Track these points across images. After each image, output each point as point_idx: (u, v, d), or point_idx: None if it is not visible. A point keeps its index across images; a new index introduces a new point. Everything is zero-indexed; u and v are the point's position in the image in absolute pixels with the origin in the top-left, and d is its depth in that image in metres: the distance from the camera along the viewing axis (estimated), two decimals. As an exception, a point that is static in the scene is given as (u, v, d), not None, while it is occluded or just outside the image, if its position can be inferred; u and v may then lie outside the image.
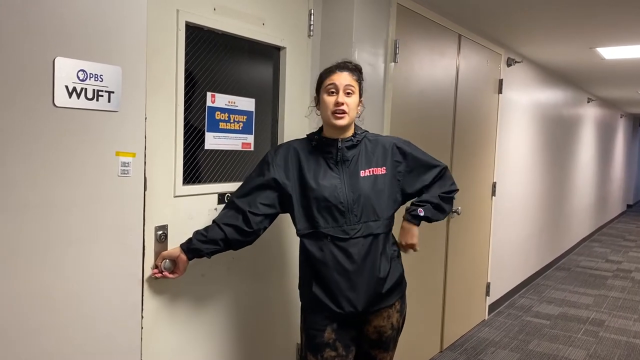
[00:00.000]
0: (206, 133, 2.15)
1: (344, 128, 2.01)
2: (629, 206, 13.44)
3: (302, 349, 2.17)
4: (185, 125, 2.05)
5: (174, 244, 2.02)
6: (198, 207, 2.13)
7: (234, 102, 2.27)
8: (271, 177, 2.02)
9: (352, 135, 2.05)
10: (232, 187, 2.26)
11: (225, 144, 2.23)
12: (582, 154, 7.83)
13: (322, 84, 2.02)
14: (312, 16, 2.62)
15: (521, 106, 5.09)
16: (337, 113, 1.96)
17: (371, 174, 2.04)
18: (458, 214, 3.92)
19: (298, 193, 2.03)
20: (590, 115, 8.16)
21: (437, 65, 3.49)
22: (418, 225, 2.21)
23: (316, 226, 2.00)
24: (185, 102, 2.05)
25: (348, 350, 2.09)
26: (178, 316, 2.09)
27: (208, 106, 2.15)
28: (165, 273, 1.94)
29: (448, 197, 2.24)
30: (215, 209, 2.20)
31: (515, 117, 4.95)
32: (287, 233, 2.59)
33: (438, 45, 3.47)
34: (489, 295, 4.62)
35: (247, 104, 2.33)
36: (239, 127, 2.30)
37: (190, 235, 1.99)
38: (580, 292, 5.65)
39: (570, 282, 6.04)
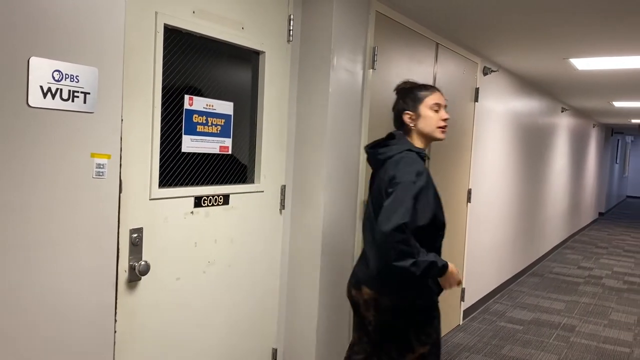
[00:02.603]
0: (183, 136, 2.14)
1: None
2: (600, 214, 13.73)
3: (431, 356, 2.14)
4: (162, 128, 2.05)
5: (149, 247, 2.01)
6: (174, 211, 2.12)
7: (212, 106, 2.26)
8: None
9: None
10: (209, 190, 2.26)
11: (202, 147, 2.23)
12: (556, 163, 7.99)
13: (421, 101, 2.22)
14: (291, 21, 2.64)
15: (497, 114, 5.18)
16: (442, 127, 2.21)
17: None
18: (434, 220, 3.96)
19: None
20: (564, 124, 8.34)
21: (415, 73, 3.53)
22: None
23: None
24: (163, 104, 2.04)
25: None
26: (153, 320, 2.07)
27: (186, 109, 2.14)
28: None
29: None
30: (192, 212, 2.19)
31: (491, 125, 5.03)
32: (264, 238, 2.59)
33: (416, 53, 3.52)
34: (463, 301, 4.67)
35: (225, 107, 2.33)
36: (216, 130, 2.29)
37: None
38: (552, 298, 5.75)
39: (543, 288, 6.15)
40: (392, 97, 3.31)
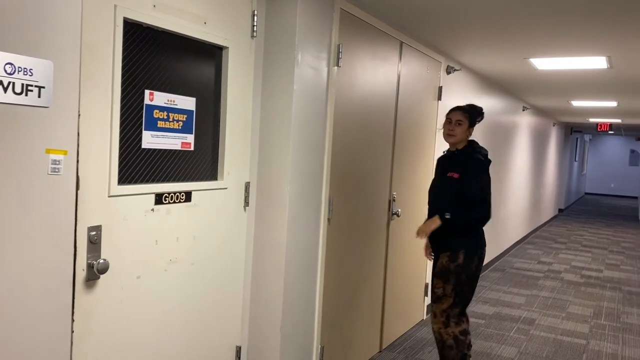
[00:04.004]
0: (144, 132, 2.10)
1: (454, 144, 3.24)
2: (560, 210, 14.14)
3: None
4: (122, 124, 2.01)
5: (107, 245, 1.97)
6: (134, 208, 2.08)
7: (174, 101, 2.23)
8: None
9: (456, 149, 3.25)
10: (170, 187, 2.23)
11: (163, 143, 2.20)
12: (517, 160, 8.18)
13: (447, 115, 3.29)
14: (255, 17, 2.62)
15: (460, 113, 5.26)
16: (448, 134, 3.23)
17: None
18: (398, 216, 4.01)
19: None
20: (525, 123, 8.54)
21: (380, 71, 3.56)
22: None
23: None
24: (122, 99, 2.00)
25: None
26: (112, 319, 2.03)
27: (146, 104, 2.11)
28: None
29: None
30: (152, 209, 2.16)
31: (454, 123, 5.11)
32: (228, 235, 2.57)
33: (380, 52, 3.54)
34: (427, 296, 4.74)
35: (187, 103, 2.30)
36: (178, 126, 2.26)
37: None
38: (513, 292, 5.89)
39: (505, 282, 6.29)
40: (357, 94, 3.35)
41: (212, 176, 2.48)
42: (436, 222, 3.12)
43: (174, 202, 2.24)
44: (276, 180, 2.71)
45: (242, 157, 2.63)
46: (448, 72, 4.76)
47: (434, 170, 3.42)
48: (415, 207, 4.34)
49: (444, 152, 3.38)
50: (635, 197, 19.16)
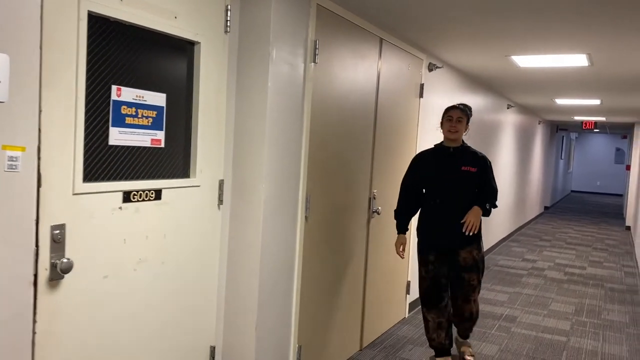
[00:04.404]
0: (110, 128, 2.06)
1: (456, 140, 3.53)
2: (546, 208, 14.23)
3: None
4: (87, 120, 1.96)
5: (72, 244, 1.92)
6: (100, 206, 2.03)
7: (143, 97, 2.19)
8: None
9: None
10: (139, 185, 2.19)
11: (132, 140, 2.15)
12: (502, 159, 8.21)
13: (445, 114, 3.54)
14: (228, 12, 2.58)
15: (442, 110, 5.24)
16: (450, 131, 3.48)
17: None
18: (378, 214, 3.99)
19: None
20: (510, 121, 8.57)
21: (359, 68, 3.54)
22: None
23: None
24: (88, 95, 1.96)
25: None
26: (78, 320, 1.99)
27: (113, 100, 2.06)
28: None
29: None
30: (120, 207, 2.11)
31: (436, 121, 5.09)
32: (201, 234, 2.53)
33: (359, 48, 3.52)
34: (409, 294, 4.73)
35: (157, 99, 2.26)
36: (147, 122, 2.22)
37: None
38: (497, 290, 5.90)
39: (489, 280, 6.30)
40: (336, 91, 3.32)
41: (184, 174, 2.43)
42: (479, 212, 3.40)
43: (143, 200, 2.20)
44: (251, 178, 2.67)
45: (215, 155, 2.59)
46: (430, 70, 4.75)
47: (425, 165, 3.55)
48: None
49: (435, 147, 3.60)
50: (621, 195, 19.36)
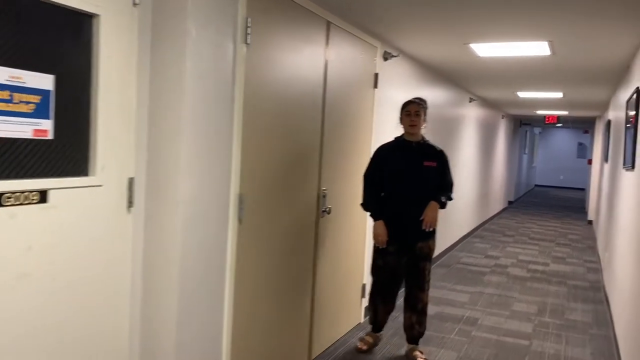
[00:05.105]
0: (-29, 115, 1.67)
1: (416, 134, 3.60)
2: (510, 202, 14.20)
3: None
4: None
5: None
6: (-40, 211, 1.64)
7: (21, 78, 1.80)
8: None
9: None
10: (15, 185, 1.80)
11: (5, 130, 1.76)
12: (464, 153, 8.00)
13: (403, 109, 3.60)
14: (138, -19, 2.20)
15: (399, 102, 4.94)
16: (411, 125, 3.56)
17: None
18: (328, 213, 3.67)
19: None
20: (472, 115, 8.37)
21: (303, 53, 3.20)
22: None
23: None
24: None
25: None
26: None
27: (-25, 81, 1.67)
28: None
29: None
30: (-11, 213, 1.72)
31: (392, 113, 4.79)
32: (105, 242, 2.15)
33: (303, 31, 3.18)
34: (364, 297, 4.43)
35: (41, 81, 1.87)
36: (29, 109, 1.83)
37: None
38: (458, 289, 5.66)
39: (450, 279, 6.07)
40: (275, 77, 2.97)
41: (80, 171, 2.05)
42: (437, 207, 3.50)
43: (22, 203, 1.81)
44: (168, 175, 2.31)
45: (123, 148, 2.21)
46: (385, 59, 4.44)
47: (388, 159, 3.60)
48: (350, 204, 4.00)
49: (396, 140, 3.66)
50: (583, 189, 19.58)
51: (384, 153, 3.64)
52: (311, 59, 3.29)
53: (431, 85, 5.94)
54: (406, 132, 3.61)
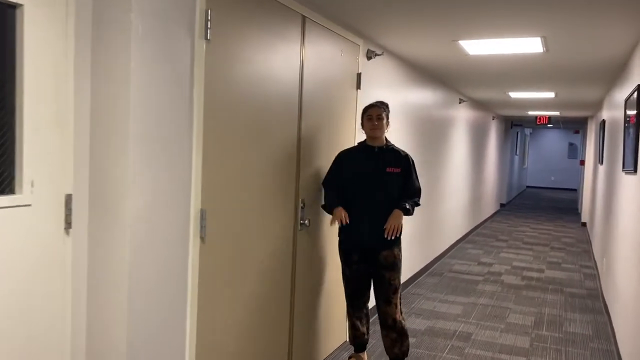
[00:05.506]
0: None
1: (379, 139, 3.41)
2: (502, 205, 13.97)
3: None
4: None
5: None
6: None
7: None
8: None
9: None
10: None
11: None
12: (455, 156, 7.73)
13: (364, 113, 3.42)
14: (73, -33, 1.90)
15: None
16: (372, 129, 3.37)
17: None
18: (307, 226, 3.37)
19: None
20: (462, 116, 8.11)
21: (275, 51, 2.90)
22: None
23: None
24: None
25: None
26: None
27: None
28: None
29: None
30: None
31: (378, 115, 4.51)
32: (35, 272, 1.84)
33: (274, 27, 2.88)
34: (350, 314, 4.12)
35: (-53, 83, 1.56)
36: None
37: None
38: (450, 300, 5.38)
39: (442, 289, 5.78)
40: (241, 77, 2.67)
41: (2, 189, 1.74)
42: (401, 215, 3.31)
43: None
44: (114, 189, 2.00)
45: (58, 160, 1.90)
46: (368, 58, 4.16)
47: (349, 164, 3.40)
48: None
49: (359, 145, 3.48)
50: (575, 190, 19.41)
51: (345, 158, 3.42)
52: (285, 57, 3.00)
53: (419, 86, 5.66)
54: (368, 137, 3.41)
